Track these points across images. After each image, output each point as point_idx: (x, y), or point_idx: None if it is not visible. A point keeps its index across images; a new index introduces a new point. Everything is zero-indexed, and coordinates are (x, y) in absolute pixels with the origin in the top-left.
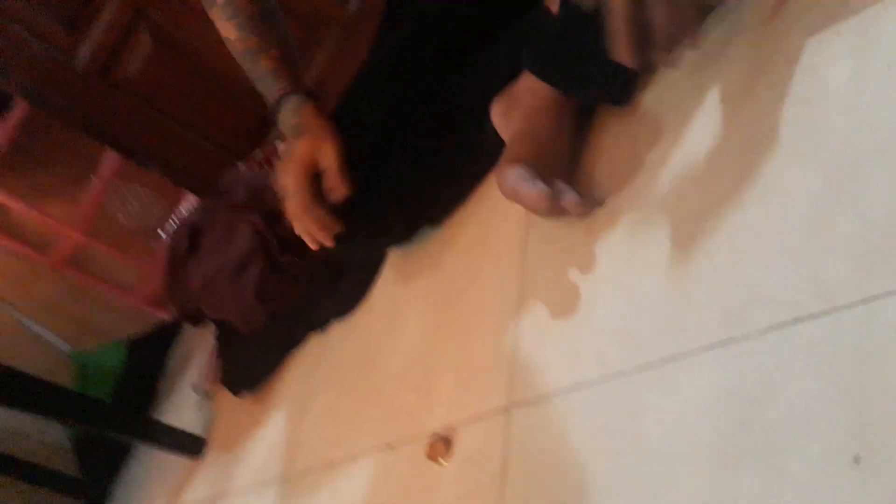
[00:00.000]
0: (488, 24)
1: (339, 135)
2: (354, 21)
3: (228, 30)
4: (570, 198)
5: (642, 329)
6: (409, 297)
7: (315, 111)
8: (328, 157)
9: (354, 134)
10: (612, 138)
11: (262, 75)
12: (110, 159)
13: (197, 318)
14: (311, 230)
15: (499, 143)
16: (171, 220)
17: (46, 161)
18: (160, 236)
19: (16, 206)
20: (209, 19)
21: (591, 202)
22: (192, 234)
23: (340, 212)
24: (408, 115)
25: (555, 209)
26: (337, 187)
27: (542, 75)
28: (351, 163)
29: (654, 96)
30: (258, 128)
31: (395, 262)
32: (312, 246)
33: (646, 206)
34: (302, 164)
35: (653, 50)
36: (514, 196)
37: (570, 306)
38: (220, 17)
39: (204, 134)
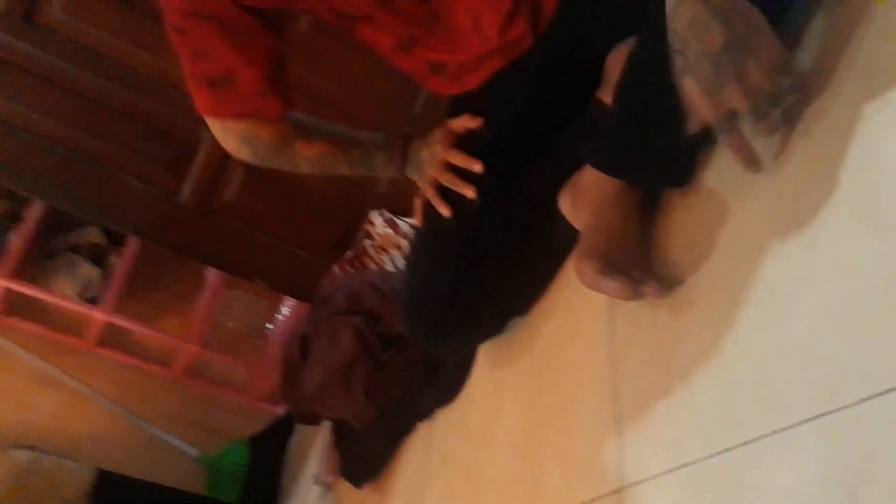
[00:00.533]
0: (548, 120)
1: (423, 244)
2: (420, 122)
3: (317, 146)
4: (648, 286)
5: (740, 406)
6: (505, 383)
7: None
8: (454, 125)
9: (439, 241)
10: (680, 218)
11: (371, 157)
12: (214, 273)
13: (314, 419)
14: (459, 160)
15: (571, 230)
16: (275, 319)
17: (158, 283)
18: (265, 336)
19: (137, 328)
20: None
21: (669, 284)
22: (302, 343)
23: (436, 315)
24: (484, 216)
25: (635, 297)
26: (469, 165)
27: (603, 168)
28: (438, 269)
29: (715, 173)
30: (344, 233)
31: (488, 350)
32: (466, 191)
33: (724, 281)
34: (440, 130)
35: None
36: (594, 288)
37: (667, 386)
38: (306, 144)
39: (297, 244)
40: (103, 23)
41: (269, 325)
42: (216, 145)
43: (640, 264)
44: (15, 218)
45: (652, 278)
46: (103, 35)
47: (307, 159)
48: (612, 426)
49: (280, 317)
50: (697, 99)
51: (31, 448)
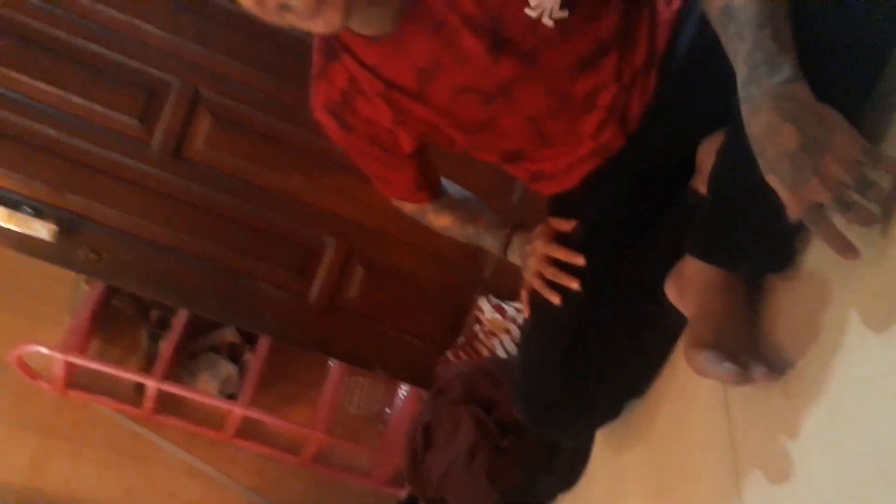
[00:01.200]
0: (645, 211)
1: (532, 332)
2: (519, 208)
3: (443, 219)
4: (757, 371)
5: (861, 484)
6: (625, 468)
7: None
8: (554, 223)
9: (547, 330)
10: (785, 301)
11: (482, 235)
12: (337, 362)
13: None
14: (562, 254)
15: (679, 315)
16: (393, 403)
17: (287, 375)
18: (385, 420)
19: (268, 419)
20: (408, 242)
21: (778, 368)
22: (426, 431)
23: (550, 402)
24: (590, 305)
25: (745, 383)
26: (572, 259)
27: (705, 258)
28: (548, 357)
29: (816, 255)
30: (455, 317)
31: (607, 434)
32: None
33: (833, 363)
34: (539, 228)
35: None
36: (705, 376)
37: (787, 469)
38: (435, 216)
39: (412, 333)
40: (237, 150)
41: (387, 410)
42: (338, 250)
43: (748, 349)
44: (165, 325)
45: (761, 363)
46: (238, 161)
47: (435, 227)
48: None
49: (398, 400)
50: (783, 194)
51: None
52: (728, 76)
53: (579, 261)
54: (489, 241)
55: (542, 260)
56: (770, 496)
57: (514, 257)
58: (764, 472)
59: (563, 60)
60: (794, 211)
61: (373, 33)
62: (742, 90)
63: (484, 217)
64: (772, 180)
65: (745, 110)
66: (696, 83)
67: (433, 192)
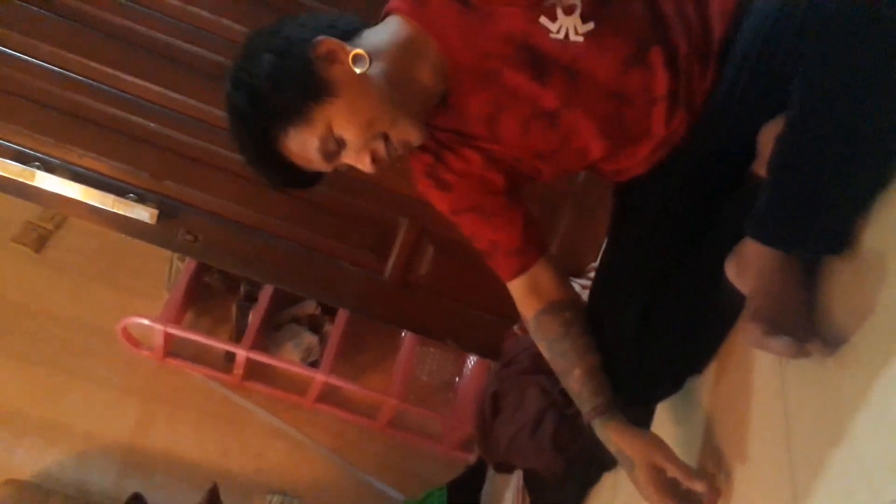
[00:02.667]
0: (710, 196)
1: (603, 323)
2: (584, 191)
3: (542, 350)
4: (813, 344)
5: None
6: (684, 438)
7: (619, 427)
8: (661, 465)
9: (616, 318)
10: (841, 279)
11: (571, 394)
12: (410, 334)
13: (508, 469)
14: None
15: (738, 295)
16: (462, 373)
17: (364, 345)
18: (455, 388)
19: (347, 386)
20: None
21: (834, 342)
22: (494, 401)
23: (618, 378)
24: (655, 289)
25: (800, 355)
26: (692, 483)
27: (764, 240)
28: (618, 335)
29: (873, 235)
30: None
31: (667, 407)
32: None
33: (887, 336)
34: (644, 473)
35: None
36: (761, 348)
37: (837, 439)
38: (535, 339)
39: (481, 308)
40: None
41: (456, 378)
42: (411, 230)
43: (804, 325)
44: (252, 299)
45: (816, 337)
46: None
47: (542, 352)
48: (788, 482)
49: (466, 370)
50: None
51: (283, 493)
52: (793, 60)
53: (699, 487)
54: (576, 401)
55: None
56: (823, 469)
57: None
58: (816, 444)
59: (605, 64)
60: None
61: (437, 103)
62: None
63: (581, 369)
64: None
65: None
66: (759, 70)
67: (541, 248)
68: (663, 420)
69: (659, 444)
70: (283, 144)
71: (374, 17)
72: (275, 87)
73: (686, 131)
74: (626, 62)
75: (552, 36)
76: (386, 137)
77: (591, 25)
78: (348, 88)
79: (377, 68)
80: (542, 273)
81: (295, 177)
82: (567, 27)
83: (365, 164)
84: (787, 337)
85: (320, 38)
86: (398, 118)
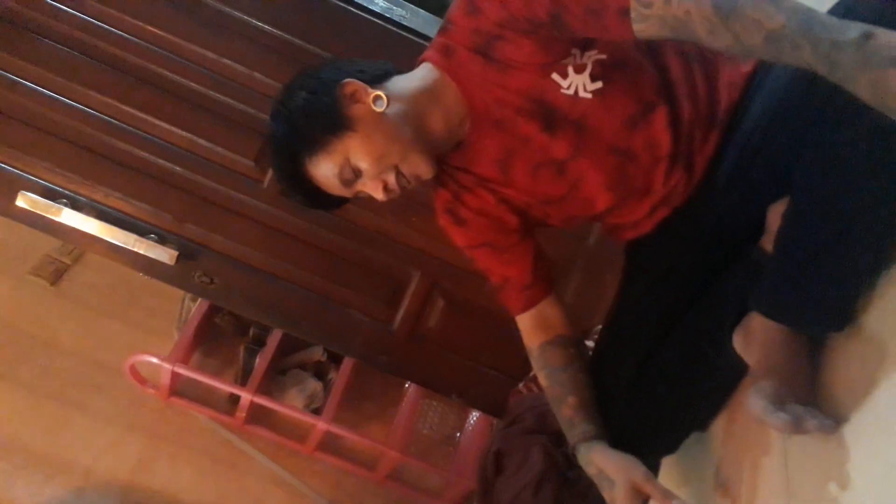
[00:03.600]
0: (714, 263)
1: (601, 375)
2: (594, 254)
3: (541, 378)
4: (811, 423)
5: None
6: (686, 499)
7: (601, 450)
8: (639, 484)
9: (616, 371)
10: (843, 359)
11: (561, 420)
12: (414, 386)
13: None
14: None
15: (742, 363)
16: (464, 428)
17: (368, 394)
18: (456, 443)
19: (348, 435)
20: (482, 278)
21: (833, 422)
22: (497, 459)
23: (613, 434)
24: (658, 347)
25: (799, 432)
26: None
27: (769, 315)
28: (613, 394)
29: (875, 316)
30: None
31: (670, 465)
32: None
33: (887, 419)
34: (622, 491)
35: None
36: (761, 422)
37: None
38: (536, 367)
39: (488, 364)
40: None
41: (458, 433)
42: (422, 283)
43: (806, 400)
44: (261, 342)
45: (817, 415)
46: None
47: (541, 383)
48: None
49: (468, 425)
50: None
51: None
52: (797, 142)
53: None
54: (563, 428)
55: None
56: None
57: (585, 469)
58: None
59: (611, 121)
60: None
61: (454, 144)
62: (833, 78)
63: (575, 399)
64: None
65: (849, 87)
66: (764, 148)
67: (550, 285)
68: (665, 479)
69: (638, 464)
70: (308, 168)
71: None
72: (305, 119)
73: (687, 193)
74: (631, 120)
75: (563, 91)
76: (398, 171)
77: (599, 84)
78: (366, 125)
79: (395, 108)
80: (550, 309)
81: (319, 198)
82: (577, 84)
83: (378, 193)
84: (785, 415)
85: (347, 80)
86: (409, 153)
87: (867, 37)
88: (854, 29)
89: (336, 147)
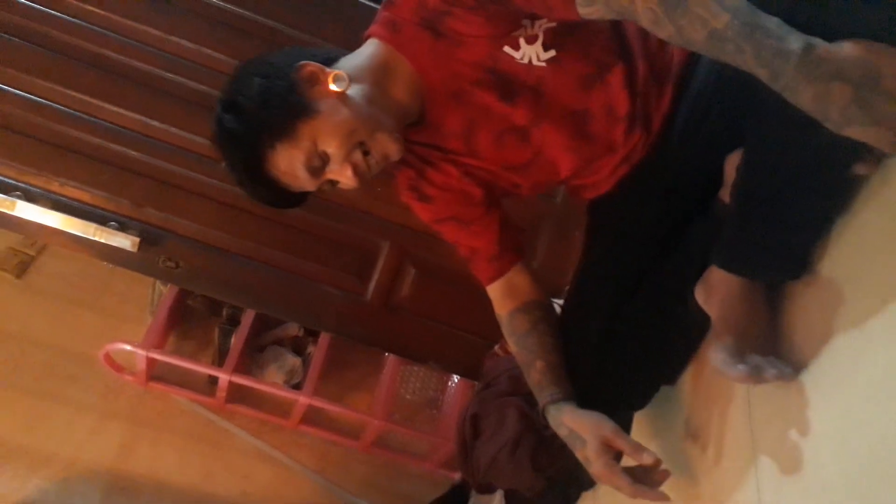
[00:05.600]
0: (675, 218)
1: (569, 333)
2: (562, 213)
3: (510, 344)
4: (770, 373)
5: (868, 484)
6: (657, 452)
7: (571, 411)
8: (609, 439)
9: (581, 329)
10: (802, 307)
11: (531, 385)
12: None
13: (489, 489)
14: (624, 490)
15: (706, 316)
16: (446, 390)
17: (347, 365)
18: (439, 406)
19: (330, 408)
20: (448, 243)
21: (791, 371)
22: (474, 422)
23: (584, 394)
24: (621, 303)
25: (758, 382)
26: (639, 457)
27: (727, 268)
28: (581, 352)
29: (831, 263)
30: None
31: (642, 420)
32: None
33: (844, 364)
34: (594, 448)
35: None
36: (723, 375)
37: (800, 464)
38: (506, 333)
39: (462, 328)
40: None
41: (441, 396)
42: (392, 252)
43: (767, 350)
44: (235, 322)
45: (776, 364)
46: None
47: (507, 335)
48: (755, 498)
49: (450, 387)
50: (870, 136)
51: None
52: (748, 93)
53: (648, 460)
54: (535, 392)
55: (602, 458)
56: (785, 489)
57: (556, 430)
58: (780, 465)
59: (567, 85)
60: (887, 144)
61: (415, 121)
62: (774, 86)
63: (543, 363)
64: (854, 132)
65: (790, 98)
66: (716, 99)
67: (517, 254)
68: (637, 433)
69: (607, 420)
70: (270, 161)
71: (351, 49)
72: (263, 105)
73: (645, 150)
74: (586, 81)
75: (517, 60)
76: (366, 151)
77: (552, 52)
78: (329, 106)
79: (356, 88)
80: (518, 277)
81: (280, 195)
82: (530, 55)
83: (348, 177)
84: (744, 366)
85: (303, 62)
86: (376, 131)
87: (809, 48)
88: (796, 39)
89: (301, 132)
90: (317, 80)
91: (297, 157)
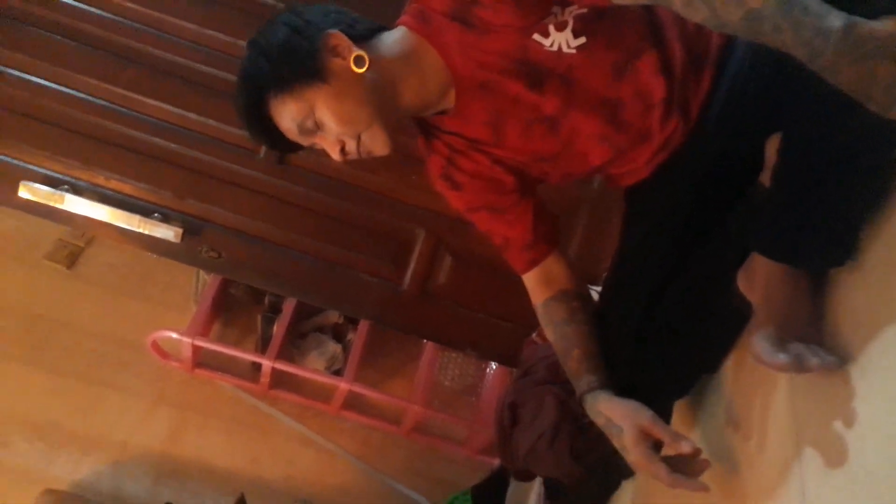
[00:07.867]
0: (716, 203)
1: (608, 323)
2: (599, 198)
3: (547, 333)
4: (813, 362)
5: None
6: (697, 441)
7: (607, 399)
8: (647, 428)
9: (620, 318)
10: (847, 293)
11: (569, 373)
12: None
13: (528, 477)
14: (662, 479)
15: (748, 303)
16: (485, 377)
17: (387, 352)
18: (478, 392)
19: (370, 394)
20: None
21: (836, 359)
22: (512, 410)
23: (624, 379)
24: (660, 291)
25: (800, 371)
26: (677, 446)
27: (768, 255)
28: (621, 342)
29: (877, 249)
30: None
31: (682, 409)
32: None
33: (893, 354)
34: (631, 436)
35: None
36: (763, 364)
37: (844, 455)
38: (542, 322)
39: (499, 316)
40: None
41: (480, 382)
42: (428, 240)
43: (810, 339)
44: (277, 310)
45: (819, 352)
46: (335, 164)
47: (548, 337)
48: (798, 487)
49: (489, 374)
50: None
51: (305, 502)
52: (786, 73)
53: (686, 448)
54: (571, 380)
55: (640, 446)
56: (829, 481)
57: (594, 420)
58: (824, 456)
59: (598, 73)
60: None
61: (443, 110)
62: (813, 66)
63: (580, 350)
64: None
65: (830, 78)
66: (759, 79)
67: (553, 242)
68: (677, 423)
69: (644, 409)
70: (270, 107)
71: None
72: (280, 55)
73: (683, 136)
74: (617, 70)
75: (546, 48)
76: (359, 138)
77: (582, 40)
78: (340, 81)
79: (372, 75)
80: (553, 265)
81: (273, 136)
82: (559, 42)
83: (335, 153)
84: (784, 355)
85: (333, 31)
86: (373, 124)
87: (851, 26)
88: (837, 17)
89: (304, 94)
90: (339, 53)
91: (293, 114)
